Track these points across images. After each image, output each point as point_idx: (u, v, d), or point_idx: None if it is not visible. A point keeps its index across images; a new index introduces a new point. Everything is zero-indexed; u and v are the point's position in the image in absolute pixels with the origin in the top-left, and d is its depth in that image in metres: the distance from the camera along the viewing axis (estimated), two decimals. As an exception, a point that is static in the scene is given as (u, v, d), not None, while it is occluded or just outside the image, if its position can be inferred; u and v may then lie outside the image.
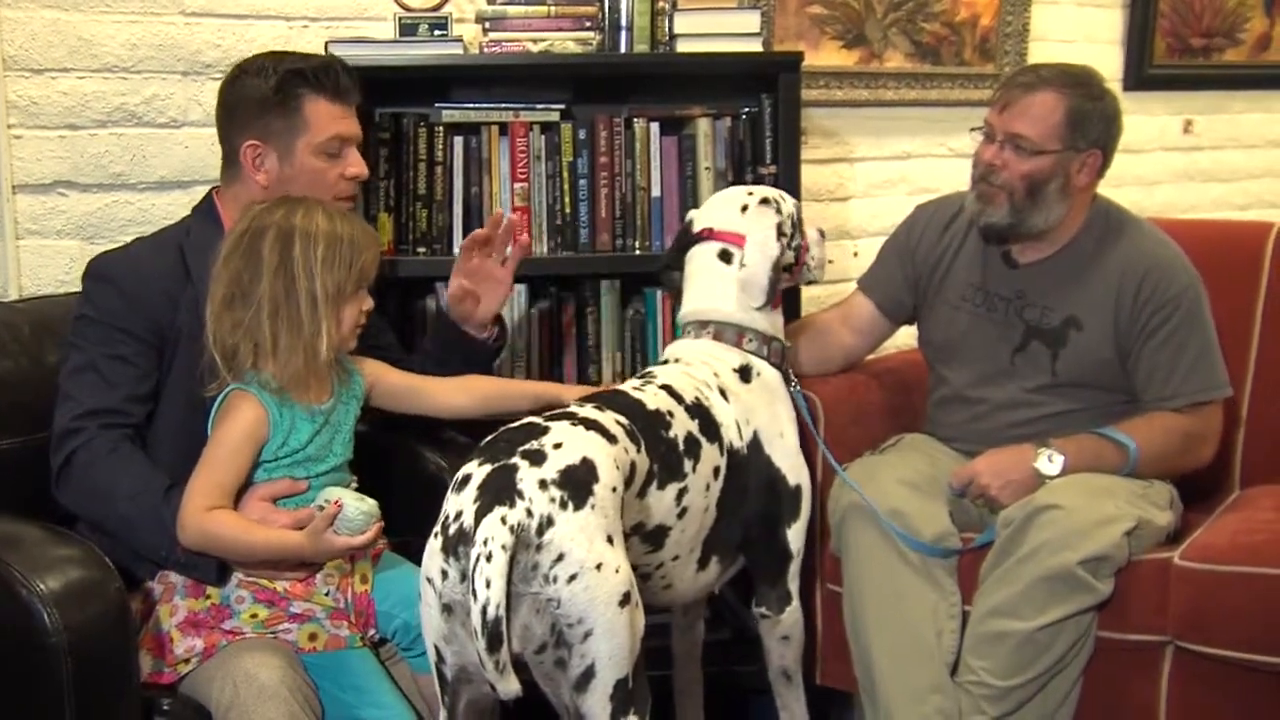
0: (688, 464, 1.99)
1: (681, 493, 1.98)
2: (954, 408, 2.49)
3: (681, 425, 2.01)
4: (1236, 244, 2.68)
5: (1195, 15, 3.67)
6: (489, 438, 1.80)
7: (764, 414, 2.19)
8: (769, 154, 2.75)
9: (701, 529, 2.05)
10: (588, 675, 1.64)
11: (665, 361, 2.22)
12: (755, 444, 2.16)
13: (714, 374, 2.16)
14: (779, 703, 2.28)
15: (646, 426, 1.94)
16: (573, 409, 1.88)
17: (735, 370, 2.19)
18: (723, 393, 2.14)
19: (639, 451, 1.88)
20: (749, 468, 2.14)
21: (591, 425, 1.80)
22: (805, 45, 3.08)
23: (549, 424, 1.79)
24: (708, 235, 2.28)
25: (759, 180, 2.75)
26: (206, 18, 2.61)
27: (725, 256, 2.25)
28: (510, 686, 1.60)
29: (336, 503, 1.82)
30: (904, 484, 2.27)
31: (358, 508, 1.83)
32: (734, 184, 2.75)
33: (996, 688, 2.10)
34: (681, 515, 1.99)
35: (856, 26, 3.21)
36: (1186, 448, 2.34)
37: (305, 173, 2.07)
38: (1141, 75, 3.59)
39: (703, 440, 2.04)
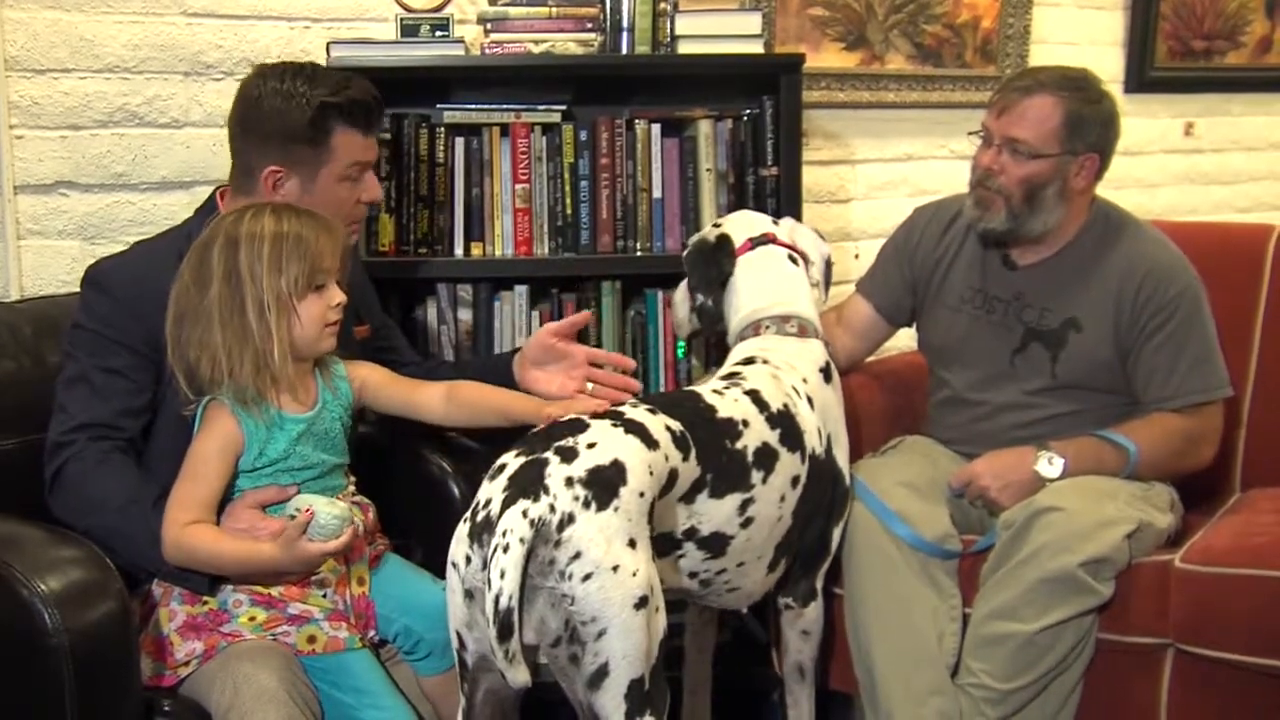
0: (756, 475, 1.98)
1: (746, 503, 1.97)
2: (954, 410, 2.49)
3: (755, 435, 2.00)
4: (1238, 247, 2.68)
5: (1197, 18, 3.67)
6: (534, 430, 1.81)
7: (834, 414, 2.21)
8: (770, 156, 2.75)
9: (773, 536, 2.05)
10: (601, 673, 1.65)
11: (751, 360, 2.19)
12: (828, 446, 2.17)
13: (802, 379, 2.16)
14: (789, 699, 2.28)
15: (708, 435, 1.93)
16: (623, 409, 1.87)
17: (820, 370, 2.21)
18: (810, 400, 2.14)
19: (685, 459, 1.87)
20: (823, 471, 2.14)
21: (633, 428, 1.80)
22: (806, 47, 3.09)
23: (591, 422, 1.79)
24: (770, 240, 2.33)
25: (760, 182, 2.75)
26: (208, 18, 2.61)
27: (793, 259, 2.33)
28: (519, 676, 1.61)
29: (308, 510, 1.80)
30: (905, 486, 2.27)
31: (330, 513, 1.81)
32: (735, 186, 2.77)
33: (997, 690, 2.10)
34: (746, 525, 1.98)
35: (858, 28, 3.22)
36: (1187, 449, 2.35)
37: (324, 202, 2.02)
38: (1143, 78, 3.60)
39: (781, 450, 2.03)
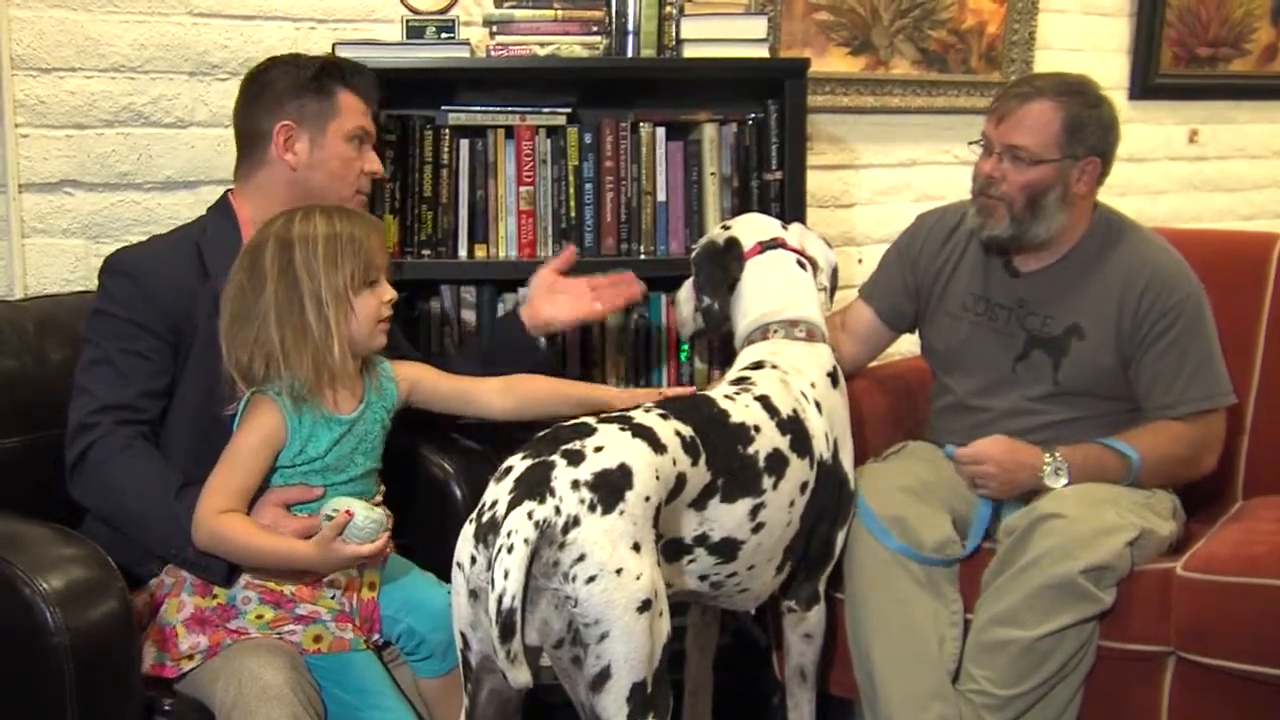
0: (767, 481, 1.99)
1: (757, 509, 1.98)
2: (956, 416, 2.49)
3: (767, 441, 2.01)
4: (1241, 254, 2.68)
5: (1202, 25, 3.67)
6: (541, 433, 1.82)
7: (841, 418, 2.22)
8: (775, 160, 2.74)
9: (782, 540, 2.06)
10: (603, 676, 1.66)
11: (760, 364, 2.19)
12: (835, 451, 2.18)
13: (810, 384, 2.17)
14: (790, 702, 2.28)
15: (720, 440, 1.94)
16: (632, 413, 1.88)
17: (828, 375, 2.22)
18: (818, 405, 2.15)
19: (695, 464, 1.87)
20: (830, 476, 2.15)
21: (641, 432, 1.80)
22: (811, 51, 3.09)
23: (599, 425, 1.80)
24: (780, 244, 2.34)
25: (764, 186, 2.75)
26: (213, 18, 2.61)
27: (801, 265, 2.33)
28: (520, 677, 1.62)
29: (347, 512, 1.81)
30: (906, 491, 2.27)
31: (367, 516, 1.82)
32: (739, 190, 2.77)
33: (997, 696, 2.10)
34: (757, 530, 1.99)
35: (863, 33, 3.22)
36: (1189, 456, 2.34)
37: (334, 158, 2.10)
38: (1147, 85, 3.59)
39: (791, 456, 2.04)
